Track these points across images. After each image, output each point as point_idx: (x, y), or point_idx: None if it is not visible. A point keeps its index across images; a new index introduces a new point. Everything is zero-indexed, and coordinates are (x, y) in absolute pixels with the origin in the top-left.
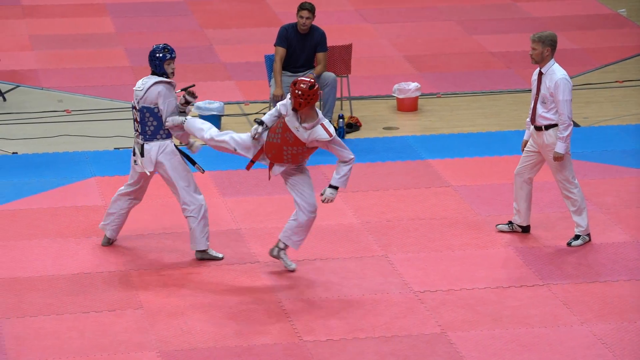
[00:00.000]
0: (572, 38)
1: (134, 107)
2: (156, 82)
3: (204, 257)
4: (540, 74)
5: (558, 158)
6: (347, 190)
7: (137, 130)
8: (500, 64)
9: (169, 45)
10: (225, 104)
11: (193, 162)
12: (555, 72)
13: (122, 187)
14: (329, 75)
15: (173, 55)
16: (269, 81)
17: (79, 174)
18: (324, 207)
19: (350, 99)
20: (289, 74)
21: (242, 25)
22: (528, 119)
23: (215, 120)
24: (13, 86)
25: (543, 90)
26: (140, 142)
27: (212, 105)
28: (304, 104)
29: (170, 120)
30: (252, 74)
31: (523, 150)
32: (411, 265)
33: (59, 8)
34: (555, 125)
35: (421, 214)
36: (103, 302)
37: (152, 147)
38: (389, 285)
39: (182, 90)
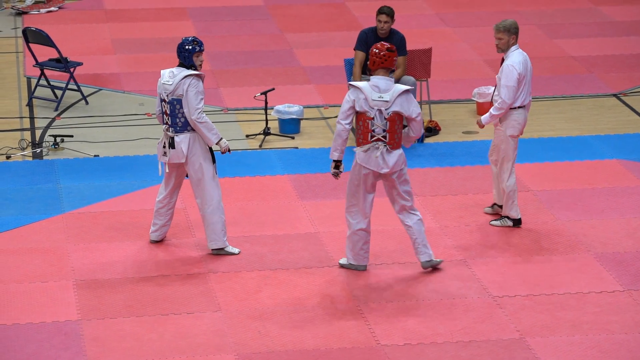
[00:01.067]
0: None
1: (162, 100)
2: (187, 75)
3: (220, 253)
4: (502, 60)
5: (478, 124)
6: (425, 194)
7: (166, 123)
8: (582, 68)
9: (197, 38)
10: (304, 107)
11: (213, 160)
12: (510, 57)
13: (161, 196)
14: (409, 79)
15: (202, 48)
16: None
17: (159, 177)
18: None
19: (430, 102)
20: (368, 77)
21: (322, 29)
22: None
23: (294, 123)
24: (95, 89)
25: (500, 73)
26: (170, 134)
27: (292, 108)
28: (378, 62)
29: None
30: (331, 77)
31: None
32: (490, 270)
33: (141, 12)
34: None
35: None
36: (182, 304)
37: (182, 139)
38: (467, 290)
39: (261, 94)
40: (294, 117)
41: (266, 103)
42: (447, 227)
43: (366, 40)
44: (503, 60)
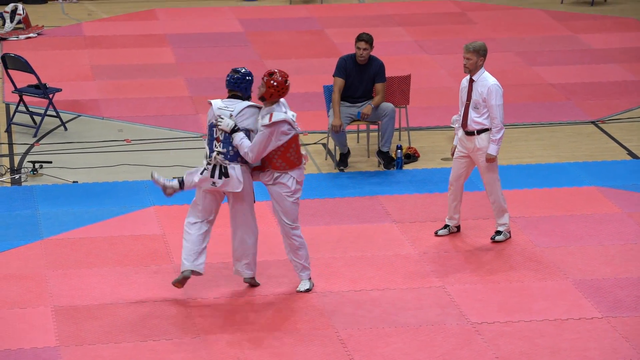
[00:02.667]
0: (633, 70)
1: (214, 126)
2: (250, 106)
3: (253, 282)
4: (472, 81)
5: (490, 159)
6: (404, 220)
7: (216, 150)
8: (560, 95)
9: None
10: None
11: None
12: (487, 79)
13: (199, 225)
14: (388, 105)
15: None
16: (328, 111)
17: (138, 203)
18: (382, 238)
19: (409, 129)
20: (348, 104)
21: (300, 56)
22: (457, 125)
23: None
24: (74, 115)
25: (475, 97)
26: (221, 162)
27: None
28: (276, 94)
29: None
30: (310, 104)
31: (452, 155)
32: (469, 297)
33: (120, 38)
34: (487, 129)
35: (479, 245)
36: (161, 330)
37: (235, 168)
38: (446, 316)
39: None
40: None
41: None
42: (426, 253)
43: (345, 66)
44: (471, 81)
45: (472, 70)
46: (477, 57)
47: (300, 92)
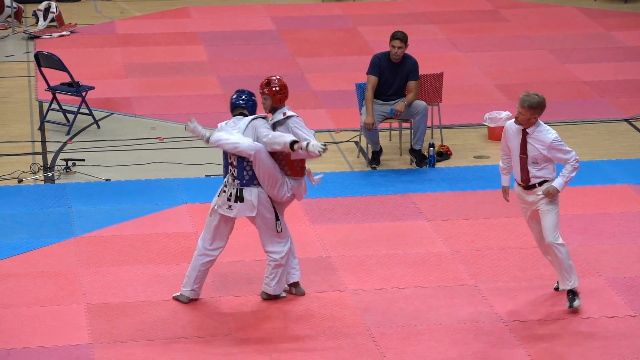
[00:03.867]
0: None
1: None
2: (255, 118)
3: (270, 298)
4: (525, 133)
5: (551, 193)
6: (436, 218)
7: (232, 175)
8: (593, 93)
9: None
10: (316, 132)
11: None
12: (544, 133)
13: (210, 250)
14: (420, 103)
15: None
16: (360, 109)
17: (170, 201)
18: (414, 236)
19: (441, 127)
20: (381, 102)
21: (333, 54)
22: (505, 170)
23: None
24: (107, 114)
25: (532, 152)
26: (237, 186)
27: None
28: (284, 98)
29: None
30: (343, 102)
31: (505, 195)
32: (501, 295)
33: (153, 37)
34: (546, 180)
35: (512, 243)
36: (193, 328)
37: (252, 192)
38: (478, 315)
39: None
40: None
41: None
42: (459, 251)
43: (379, 64)
44: (524, 133)
45: (523, 124)
46: (530, 114)
47: (332, 90)
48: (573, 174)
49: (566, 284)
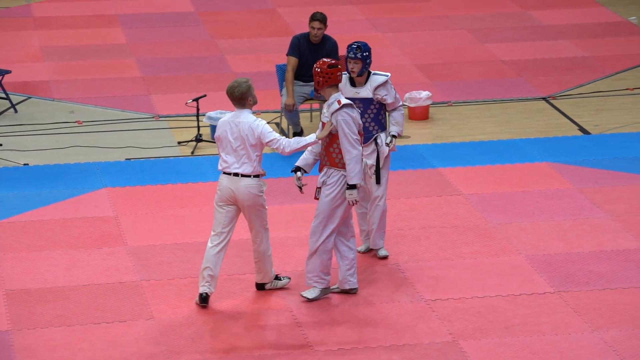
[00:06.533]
0: (583, 46)
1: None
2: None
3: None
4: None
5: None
6: None
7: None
8: (512, 72)
9: None
10: None
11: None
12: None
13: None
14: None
15: None
16: (281, 90)
17: (90, 185)
18: None
19: None
20: (301, 83)
21: (253, 35)
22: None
23: None
24: (24, 97)
25: None
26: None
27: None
28: (322, 82)
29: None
30: (263, 83)
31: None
32: (423, 274)
33: (71, 19)
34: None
35: (432, 222)
36: (114, 313)
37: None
38: (400, 294)
39: (193, 100)
40: None
41: (198, 109)
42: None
43: (299, 45)
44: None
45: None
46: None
47: (253, 72)
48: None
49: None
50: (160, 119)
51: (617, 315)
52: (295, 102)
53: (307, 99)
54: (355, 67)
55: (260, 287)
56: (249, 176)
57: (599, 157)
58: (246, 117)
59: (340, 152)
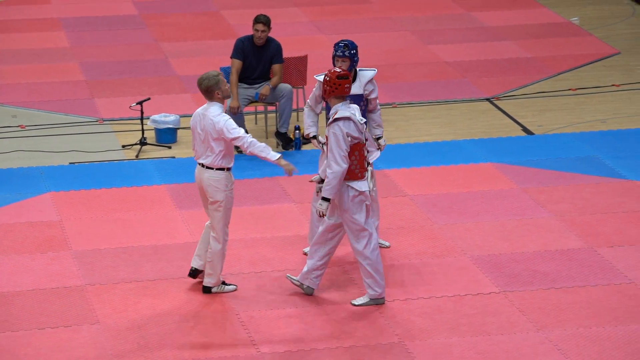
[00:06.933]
0: (527, 47)
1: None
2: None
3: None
4: None
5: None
6: (304, 201)
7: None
8: (456, 73)
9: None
10: (181, 116)
11: None
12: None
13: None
14: (285, 86)
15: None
16: None
17: (34, 190)
18: (282, 219)
19: None
20: (245, 85)
21: (197, 38)
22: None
23: (171, 133)
24: None
25: None
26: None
27: (168, 118)
28: (329, 91)
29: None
30: None
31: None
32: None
33: (13, 23)
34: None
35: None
36: (59, 317)
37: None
38: (345, 296)
39: (137, 103)
40: (171, 126)
41: (142, 113)
42: None
43: (243, 48)
44: None
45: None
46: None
47: (197, 74)
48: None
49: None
50: (104, 122)
51: (562, 314)
52: (240, 105)
53: (252, 102)
54: (344, 65)
55: (206, 290)
56: (212, 168)
57: (542, 157)
58: (212, 111)
59: (357, 159)
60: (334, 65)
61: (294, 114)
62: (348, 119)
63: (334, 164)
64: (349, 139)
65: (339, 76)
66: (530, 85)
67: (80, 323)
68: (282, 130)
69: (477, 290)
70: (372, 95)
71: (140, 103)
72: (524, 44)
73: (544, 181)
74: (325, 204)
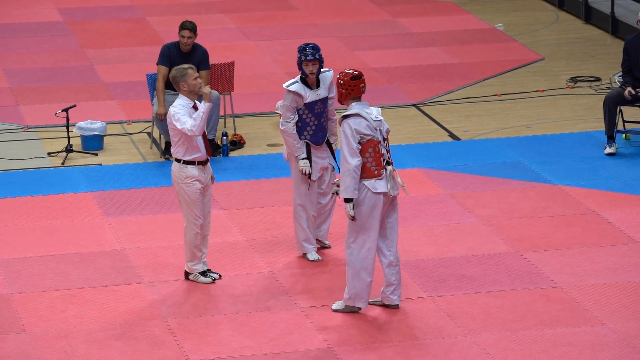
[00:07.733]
0: (452, 53)
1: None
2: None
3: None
4: None
5: None
6: (231, 207)
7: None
8: (382, 79)
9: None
10: (107, 123)
11: None
12: None
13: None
14: (212, 93)
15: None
16: (152, 100)
17: None
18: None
19: (234, 116)
20: (172, 92)
21: (123, 45)
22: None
23: (97, 140)
24: None
25: None
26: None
27: (94, 125)
28: (346, 94)
29: None
30: (134, 93)
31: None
32: (297, 282)
33: None
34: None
35: None
36: None
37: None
38: (275, 302)
39: (62, 110)
40: (97, 133)
41: (68, 120)
42: (254, 239)
43: (169, 54)
44: None
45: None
46: None
47: (123, 81)
48: None
49: None
50: (30, 129)
51: (489, 318)
52: (167, 111)
53: None
54: (314, 68)
55: (186, 275)
56: (176, 159)
57: (469, 162)
58: (174, 102)
59: (371, 157)
60: (301, 71)
61: (221, 120)
62: (357, 115)
63: (344, 162)
64: (358, 136)
65: (353, 77)
66: (456, 90)
67: (6, 332)
68: (210, 137)
69: (405, 296)
70: (331, 94)
71: (66, 110)
72: (450, 50)
73: (471, 186)
74: (348, 205)
